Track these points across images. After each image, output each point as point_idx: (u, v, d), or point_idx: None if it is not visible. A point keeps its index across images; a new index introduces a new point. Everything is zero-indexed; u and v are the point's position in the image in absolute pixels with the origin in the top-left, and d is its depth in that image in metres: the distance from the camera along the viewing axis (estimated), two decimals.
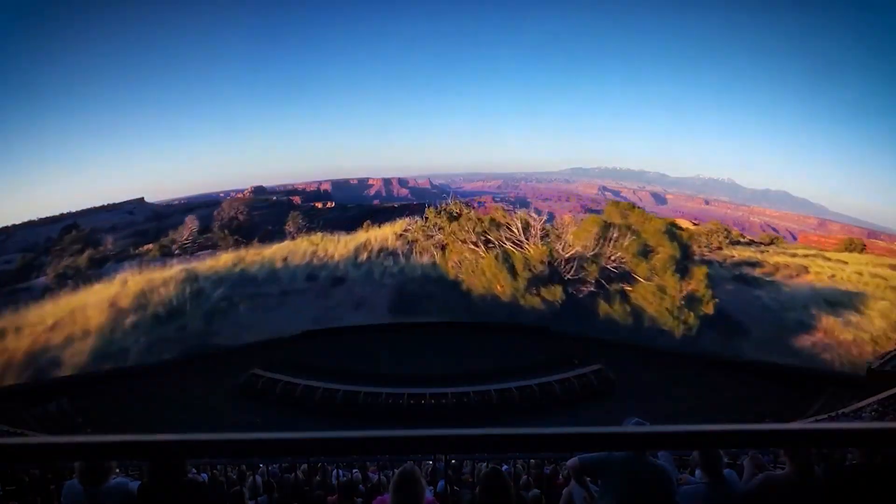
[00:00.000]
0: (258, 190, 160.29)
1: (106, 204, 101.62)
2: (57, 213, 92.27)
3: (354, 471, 7.90)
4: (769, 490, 3.40)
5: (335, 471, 7.73)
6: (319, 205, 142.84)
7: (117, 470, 6.62)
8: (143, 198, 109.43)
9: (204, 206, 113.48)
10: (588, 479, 3.85)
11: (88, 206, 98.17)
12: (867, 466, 3.39)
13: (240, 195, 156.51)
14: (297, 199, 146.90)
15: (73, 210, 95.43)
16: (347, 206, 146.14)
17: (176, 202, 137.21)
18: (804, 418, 21.28)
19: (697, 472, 3.85)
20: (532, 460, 7.74)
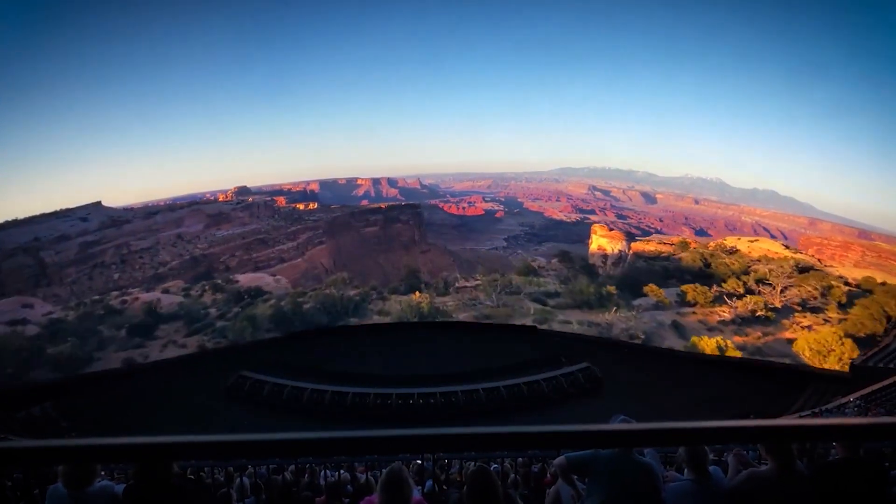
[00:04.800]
0: (242, 190, 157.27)
1: (58, 210, 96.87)
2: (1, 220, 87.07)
3: (342, 471, 7.88)
4: (753, 486, 3.45)
5: (323, 471, 7.70)
6: (301, 206, 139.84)
7: (102, 473, 6.54)
8: (99, 201, 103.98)
9: (168, 210, 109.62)
10: (575, 477, 3.87)
11: (38, 213, 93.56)
12: (850, 461, 3.45)
13: (222, 196, 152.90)
14: (280, 200, 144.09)
15: (20, 217, 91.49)
16: (332, 206, 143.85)
17: (136, 205, 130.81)
18: (789, 413, 21.64)
19: (684, 468, 3.89)
20: (520, 459, 7.77)
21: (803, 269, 69.29)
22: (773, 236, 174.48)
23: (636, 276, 74.59)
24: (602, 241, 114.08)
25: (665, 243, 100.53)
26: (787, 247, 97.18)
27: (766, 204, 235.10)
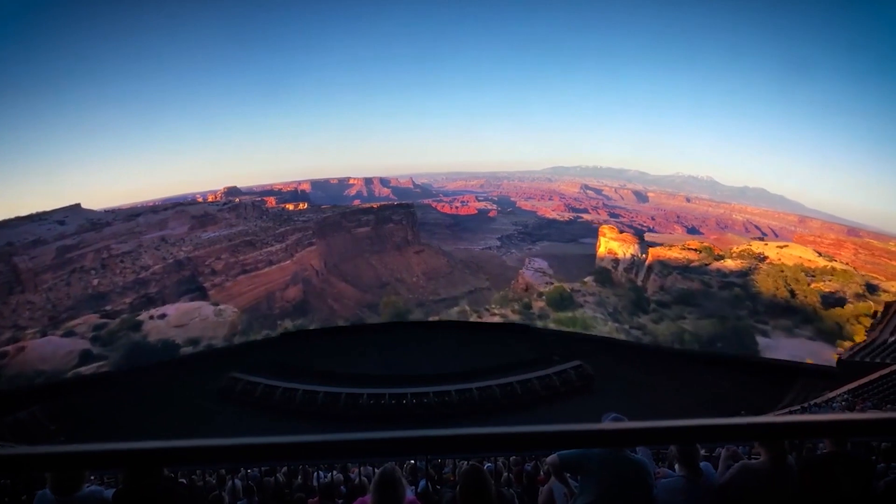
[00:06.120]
0: (231, 191, 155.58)
1: (33, 213, 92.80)
2: None
3: (336, 472, 7.86)
4: (746, 478, 3.50)
5: (316, 472, 7.67)
6: (291, 206, 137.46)
7: (91, 478, 6.47)
8: (78, 204, 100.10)
9: (151, 212, 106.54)
10: (568, 475, 3.89)
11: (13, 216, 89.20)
12: (837, 455, 3.50)
13: (212, 196, 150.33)
14: (270, 200, 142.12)
15: None
16: (322, 206, 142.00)
17: (124, 206, 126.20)
18: (778, 408, 21.88)
19: (675, 465, 3.92)
20: (513, 457, 7.79)
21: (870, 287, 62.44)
22: (764, 234, 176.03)
23: (707, 305, 61.87)
24: (612, 245, 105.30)
25: (688, 248, 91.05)
26: (819, 254, 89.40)
27: (756, 202, 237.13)
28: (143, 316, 67.12)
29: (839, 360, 27.05)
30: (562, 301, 62.73)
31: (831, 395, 21.36)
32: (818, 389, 23.51)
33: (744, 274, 77.64)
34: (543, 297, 68.17)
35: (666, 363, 29.09)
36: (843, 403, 18.12)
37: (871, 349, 27.45)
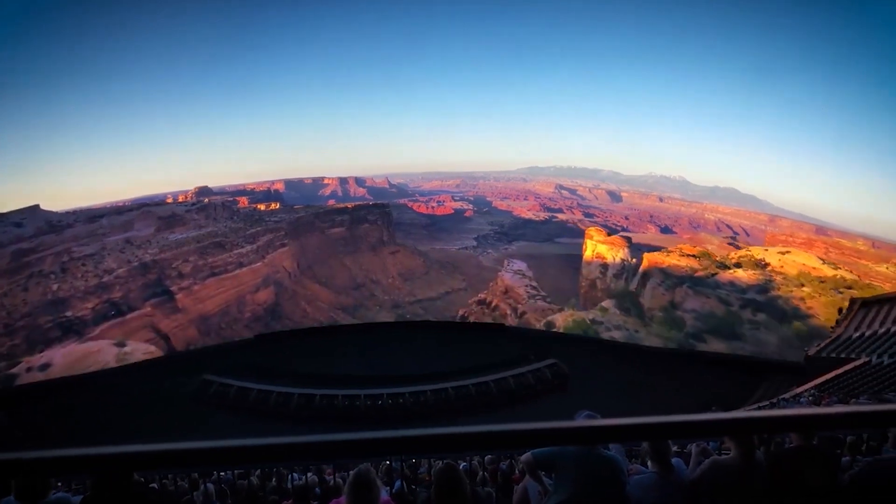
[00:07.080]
0: (203, 191, 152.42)
1: None
2: None
3: (310, 474, 7.78)
4: (716, 474, 3.57)
5: (290, 475, 7.60)
6: (262, 206, 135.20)
7: (59, 484, 6.29)
8: (37, 205, 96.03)
9: (115, 213, 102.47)
10: (542, 473, 3.92)
11: None
12: (804, 449, 3.60)
13: (182, 197, 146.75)
14: (243, 201, 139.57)
15: None
16: (295, 207, 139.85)
17: (95, 207, 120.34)
18: (748, 404, 22.43)
19: (648, 461, 3.98)
20: (488, 456, 7.83)
21: None
22: (735, 234, 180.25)
23: (753, 339, 54.97)
24: (601, 249, 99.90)
25: (687, 255, 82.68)
26: (823, 260, 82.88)
27: (727, 201, 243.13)
28: (21, 367, 54.04)
29: (807, 356, 27.85)
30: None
31: (799, 390, 21.96)
32: (786, 384, 24.17)
33: (763, 289, 71.14)
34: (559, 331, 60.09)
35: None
36: (810, 398, 18.66)
37: (836, 345, 28.29)
